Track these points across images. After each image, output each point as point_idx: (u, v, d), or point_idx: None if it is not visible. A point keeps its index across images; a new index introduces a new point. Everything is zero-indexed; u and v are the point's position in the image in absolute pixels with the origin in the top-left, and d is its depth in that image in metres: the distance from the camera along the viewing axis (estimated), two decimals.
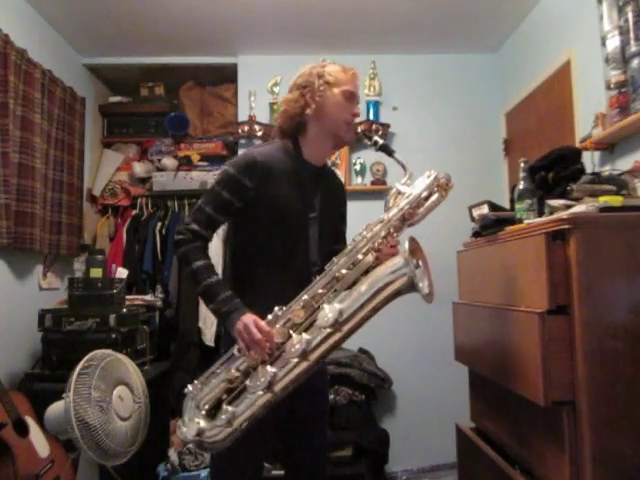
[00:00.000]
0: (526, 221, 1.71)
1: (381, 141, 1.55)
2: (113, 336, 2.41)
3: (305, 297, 1.38)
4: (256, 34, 3.04)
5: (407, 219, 1.41)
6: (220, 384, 1.38)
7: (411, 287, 1.32)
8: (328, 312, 1.32)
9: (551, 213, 1.63)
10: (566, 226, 1.45)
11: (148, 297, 3.02)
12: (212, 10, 2.79)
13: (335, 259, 1.41)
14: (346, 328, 1.32)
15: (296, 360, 1.32)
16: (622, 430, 1.40)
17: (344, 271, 1.38)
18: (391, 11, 2.84)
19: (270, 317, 1.38)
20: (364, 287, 1.34)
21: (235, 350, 1.38)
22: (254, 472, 1.50)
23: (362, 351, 3.08)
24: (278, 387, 1.32)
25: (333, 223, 1.64)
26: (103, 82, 3.59)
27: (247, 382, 1.34)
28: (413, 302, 3.39)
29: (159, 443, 2.68)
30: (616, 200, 1.52)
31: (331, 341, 1.33)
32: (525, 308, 1.57)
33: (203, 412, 1.37)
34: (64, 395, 1.84)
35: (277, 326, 1.37)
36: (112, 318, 2.46)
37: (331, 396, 2.70)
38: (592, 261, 1.43)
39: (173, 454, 2.59)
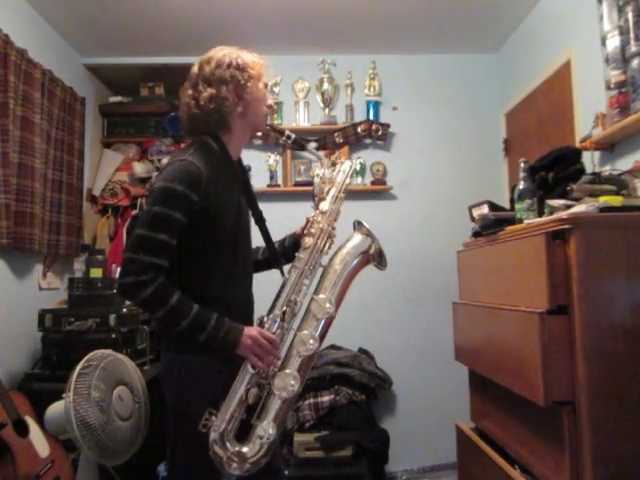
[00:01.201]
0: (526, 221, 1.71)
1: (293, 135, 1.60)
2: (113, 336, 2.41)
3: (292, 297, 1.45)
4: (256, 34, 3.04)
5: (339, 204, 1.57)
6: (238, 407, 1.37)
7: (379, 254, 1.54)
8: (324, 303, 1.45)
9: (551, 213, 1.63)
10: (566, 226, 1.45)
11: None
12: (212, 10, 2.79)
13: (301, 255, 1.49)
14: (335, 311, 1.49)
15: (307, 354, 1.41)
16: (622, 430, 1.40)
17: (314, 262, 1.50)
18: (391, 11, 2.84)
19: (267, 325, 1.43)
20: (338, 266, 1.51)
21: (249, 367, 1.38)
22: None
23: (362, 351, 3.07)
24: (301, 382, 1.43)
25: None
26: (103, 82, 3.59)
27: (274, 390, 1.38)
28: (413, 302, 3.38)
29: (159, 443, 2.67)
30: (616, 200, 1.53)
31: (326, 323, 1.47)
32: (525, 308, 1.57)
33: (233, 440, 1.36)
34: (64, 395, 1.84)
35: (275, 330, 1.43)
36: (112, 318, 2.46)
37: (331, 396, 2.71)
38: (592, 261, 1.44)
39: None
